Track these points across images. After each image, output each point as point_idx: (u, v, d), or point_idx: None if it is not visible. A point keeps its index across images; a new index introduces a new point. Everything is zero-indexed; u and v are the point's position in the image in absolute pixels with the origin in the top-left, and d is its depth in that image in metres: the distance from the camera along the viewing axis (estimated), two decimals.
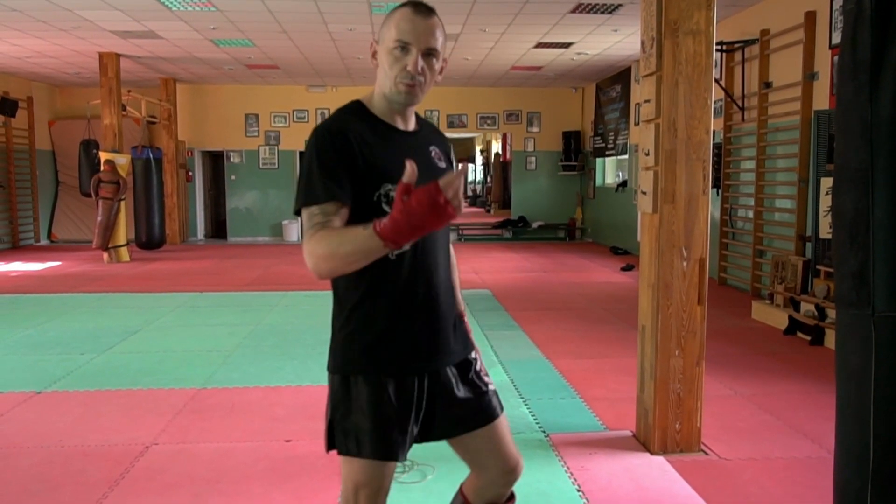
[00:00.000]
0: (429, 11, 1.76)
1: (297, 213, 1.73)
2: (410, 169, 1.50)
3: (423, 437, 1.87)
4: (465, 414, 1.88)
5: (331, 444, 1.84)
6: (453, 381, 1.87)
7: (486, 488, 1.96)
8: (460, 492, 2.04)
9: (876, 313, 1.77)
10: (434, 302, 1.83)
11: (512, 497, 2.00)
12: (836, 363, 1.91)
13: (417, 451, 3.43)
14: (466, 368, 1.91)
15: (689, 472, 3.30)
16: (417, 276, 1.78)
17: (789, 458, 3.51)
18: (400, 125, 1.83)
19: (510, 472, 1.94)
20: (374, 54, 1.81)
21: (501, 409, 1.94)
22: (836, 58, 2.08)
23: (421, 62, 1.73)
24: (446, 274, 1.89)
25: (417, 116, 1.92)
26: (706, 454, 3.52)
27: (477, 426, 1.89)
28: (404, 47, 1.73)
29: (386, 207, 1.68)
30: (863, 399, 1.81)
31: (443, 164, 1.89)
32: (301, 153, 15.10)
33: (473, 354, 1.95)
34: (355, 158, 1.69)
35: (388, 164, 1.71)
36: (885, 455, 1.79)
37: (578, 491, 3.10)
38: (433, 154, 1.88)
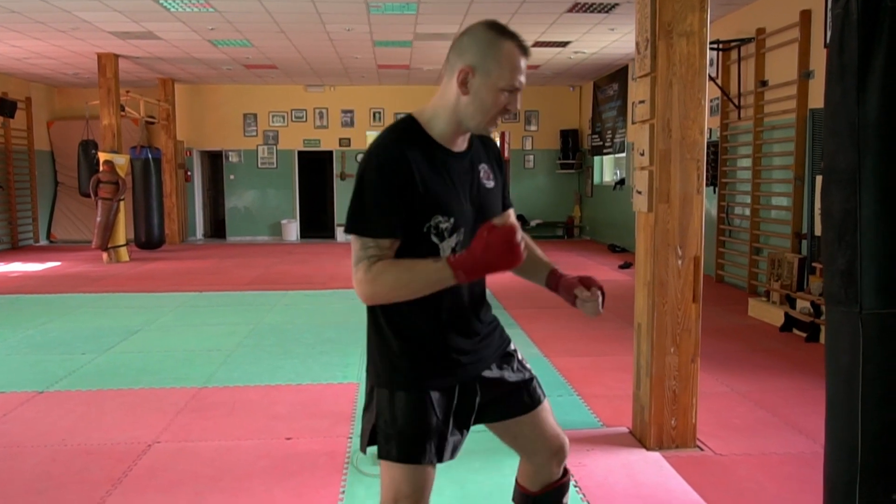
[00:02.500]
0: (528, 51, 1.76)
1: (348, 231, 1.72)
2: (508, 218, 1.62)
3: (474, 421, 1.93)
4: (512, 401, 1.95)
5: (370, 443, 1.86)
6: (497, 374, 1.94)
7: (538, 472, 2.04)
8: (517, 484, 2.11)
9: (863, 311, 1.81)
10: (476, 310, 1.88)
11: (566, 472, 2.07)
12: (826, 359, 1.96)
13: None
14: (509, 360, 1.98)
15: (684, 468, 3.34)
16: (460, 288, 1.79)
17: (784, 453, 3.55)
18: (455, 147, 1.80)
19: (558, 451, 2.02)
20: (464, 81, 1.70)
21: (544, 395, 2.02)
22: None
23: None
24: (482, 284, 1.94)
25: None
26: (702, 450, 3.56)
27: (523, 412, 1.96)
28: (513, 91, 1.71)
29: (434, 238, 1.73)
30: (851, 395, 1.84)
31: (490, 184, 1.89)
32: (300, 153, 15.17)
33: (512, 346, 2.03)
34: (414, 188, 1.68)
35: (440, 195, 1.73)
36: (872, 449, 1.83)
37: (575, 486, 3.14)
38: (482, 174, 1.87)
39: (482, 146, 1.91)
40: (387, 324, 1.82)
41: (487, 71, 1.68)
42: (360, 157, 15.51)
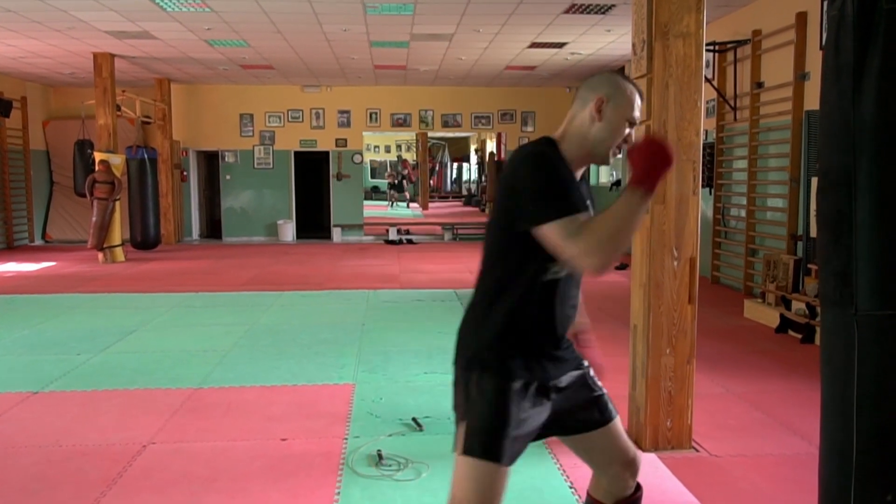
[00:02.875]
0: (643, 95, 2.05)
1: (539, 223, 1.77)
2: (636, 135, 1.84)
3: (546, 434, 2.02)
4: (584, 417, 2.06)
5: (469, 449, 1.88)
6: (570, 386, 2.03)
7: (612, 484, 2.11)
8: (589, 497, 2.18)
9: (858, 312, 1.82)
10: (572, 318, 2.04)
11: (639, 487, 2.14)
12: (821, 360, 1.96)
13: (412, 449, 3.48)
14: (582, 376, 2.08)
15: (679, 469, 3.34)
16: (568, 291, 1.97)
17: (779, 454, 3.56)
18: (577, 174, 1.97)
19: (630, 464, 2.11)
20: (599, 107, 1.92)
21: (615, 411, 2.13)
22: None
23: None
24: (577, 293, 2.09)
25: None
26: (697, 451, 3.57)
27: (595, 427, 2.06)
28: (632, 124, 1.95)
29: None
30: (846, 396, 1.85)
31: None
32: (296, 153, 15.15)
33: (585, 363, 2.14)
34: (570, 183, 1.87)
35: (578, 197, 1.88)
36: (867, 451, 1.83)
37: (571, 488, 3.14)
38: (589, 204, 2.02)
39: (586, 187, 2.09)
40: (499, 309, 1.90)
41: (618, 104, 1.93)
42: (355, 157, 15.49)
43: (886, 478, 1.84)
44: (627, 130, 1.95)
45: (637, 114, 1.97)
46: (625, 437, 2.12)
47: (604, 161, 1.96)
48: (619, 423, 2.12)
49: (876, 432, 1.82)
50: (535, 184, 1.81)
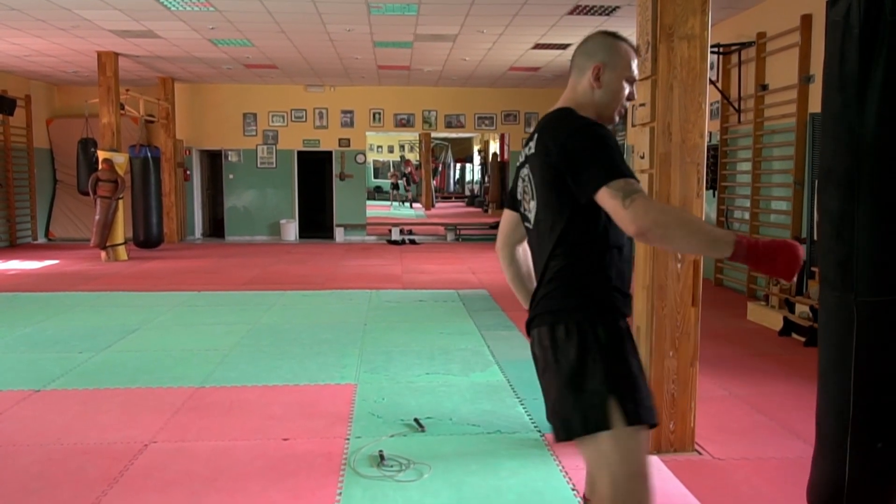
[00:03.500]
0: (639, 49, 2.09)
1: (602, 184, 1.75)
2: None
3: None
4: None
5: (594, 423, 1.80)
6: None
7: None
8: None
9: (858, 297, 2.03)
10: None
11: None
12: (819, 336, 2.19)
13: (414, 450, 3.47)
14: None
15: (682, 472, 3.33)
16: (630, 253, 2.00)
17: (782, 458, 3.55)
18: None
19: None
20: (597, 75, 1.97)
21: None
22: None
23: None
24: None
25: None
26: (700, 454, 3.56)
27: None
28: (633, 82, 2.01)
29: None
30: (845, 366, 2.07)
31: None
32: (299, 153, 15.15)
33: None
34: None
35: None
36: (862, 406, 2.06)
37: (573, 490, 3.13)
38: None
39: None
40: (596, 257, 1.88)
41: (614, 65, 1.98)
42: (358, 157, 15.47)
43: (878, 428, 2.07)
44: (628, 88, 2.01)
45: (635, 71, 2.02)
46: None
47: (611, 121, 2.01)
48: None
49: (870, 391, 2.06)
50: (600, 148, 1.81)
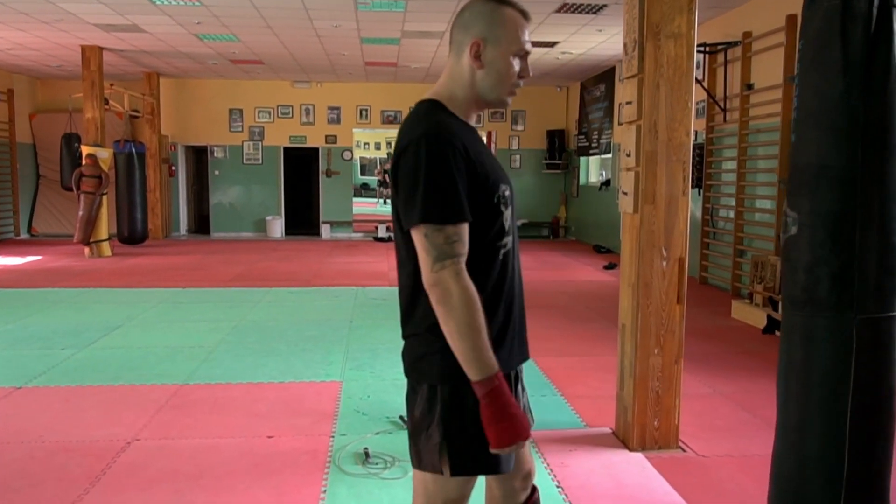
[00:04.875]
0: (530, 15, 1.75)
1: (414, 224, 1.59)
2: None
3: None
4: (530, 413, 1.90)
5: (427, 464, 1.70)
6: (520, 379, 1.86)
7: (508, 498, 1.96)
8: None
9: (858, 315, 1.74)
10: (522, 295, 1.82)
11: (534, 490, 2.00)
12: (800, 369, 1.83)
13: (399, 447, 3.46)
14: (520, 377, 1.89)
15: (666, 469, 3.34)
16: (515, 273, 1.78)
17: (765, 455, 3.55)
18: (472, 122, 1.79)
19: (527, 477, 1.97)
20: (476, 53, 1.69)
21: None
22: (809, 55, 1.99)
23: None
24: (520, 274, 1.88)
25: None
26: (684, 451, 3.57)
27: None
28: (524, 55, 1.71)
29: (502, 208, 1.70)
30: (836, 409, 1.77)
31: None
32: (286, 149, 15.09)
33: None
34: (474, 166, 1.63)
35: (494, 166, 1.73)
36: (859, 459, 1.78)
37: (558, 487, 3.14)
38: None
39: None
40: None
41: (497, 39, 1.69)
42: (345, 153, 15.44)
43: (875, 488, 1.80)
44: (519, 64, 1.71)
45: (526, 42, 1.71)
46: (528, 446, 1.97)
47: (501, 105, 1.76)
48: None
49: (870, 439, 1.78)
50: (421, 177, 1.57)
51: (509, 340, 1.75)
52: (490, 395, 1.55)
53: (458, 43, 1.73)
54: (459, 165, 1.59)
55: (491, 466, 1.68)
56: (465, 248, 1.59)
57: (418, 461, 1.74)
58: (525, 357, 1.84)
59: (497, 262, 1.70)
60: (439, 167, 1.58)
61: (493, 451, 1.58)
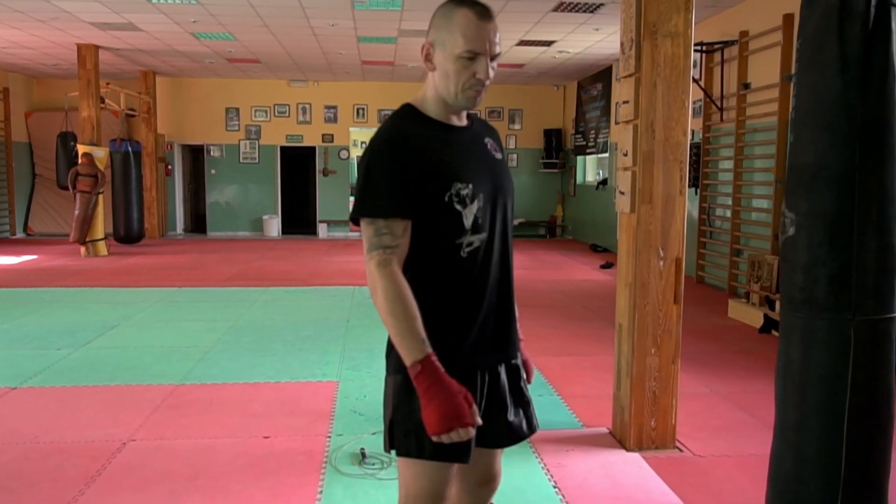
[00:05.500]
0: (490, 14, 1.72)
1: (355, 220, 1.71)
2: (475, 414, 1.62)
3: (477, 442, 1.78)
4: (510, 425, 1.86)
5: (391, 444, 1.78)
6: (506, 386, 1.85)
7: (463, 494, 1.95)
8: None
9: (856, 317, 1.73)
10: (505, 295, 1.83)
11: None
12: (798, 369, 1.83)
13: None
14: (517, 375, 1.90)
15: (663, 469, 3.34)
16: (490, 271, 1.78)
17: (763, 454, 3.55)
18: (454, 123, 1.81)
19: (488, 482, 1.95)
20: (427, 56, 1.74)
21: (538, 425, 1.96)
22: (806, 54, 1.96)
23: (489, 67, 1.72)
24: (507, 274, 1.85)
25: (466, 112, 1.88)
26: (681, 451, 3.57)
27: (519, 439, 1.88)
28: (473, 57, 1.69)
29: (457, 206, 1.71)
30: (836, 406, 1.77)
31: (499, 156, 1.89)
32: (282, 148, 15.08)
33: (518, 361, 1.94)
34: (421, 165, 1.68)
35: (453, 163, 1.74)
36: (857, 459, 1.77)
37: (555, 487, 3.13)
38: (489, 146, 1.88)
39: (485, 127, 1.92)
40: (417, 300, 1.68)
41: (442, 42, 1.71)
42: (342, 153, 15.44)
43: (873, 489, 1.79)
44: (469, 66, 1.69)
45: (476, 44, 1.67)
46: (500, 453, 1.97)
47: (463, 107, 1.75)
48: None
49: (868, 441, 1.77)
50: (363, 174, 1.70)
51: (474, 336, 1.77)
52: (418, 378, 1.60)
53: (420, 48, 1.78)
54: (395, 165, 1.67)
55: (437, 453, 1.69)
56: (395, 240, 1.66)
57: (384, 445, 1.81)
58: (506, 357, 1.86)
59: (458, 258, 1.73)
60: (378, 167, 1.68)
61: (431, 437, 1.60)
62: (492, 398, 1.82)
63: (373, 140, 1.74)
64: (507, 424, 1.85)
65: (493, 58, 1.73)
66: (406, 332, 1.62)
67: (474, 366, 1.77)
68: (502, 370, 1.86)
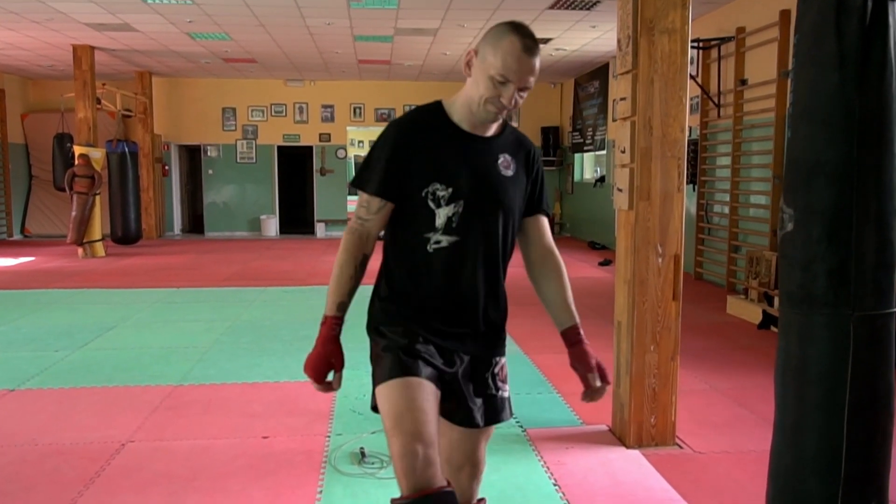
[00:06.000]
0: (535, 50, 1.80)
1: (353, 186, 1.95)
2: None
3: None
4: (473, 410, 1.96)
5: (373, 402, 1.92)
6: (470, 373, 1.96)
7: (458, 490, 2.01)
8: None
9: (855, 313, 1.73)
10: (475, 297, 1.92)
11: (481, 501, 2.06)
12: (798, 366, 1.82)
13: None
14: (487, 367, 1.99)
15: (663, 466, 3.34)
16: (458, 271, 1.89)
17: (762, 451, 3.55)
18: (475, 131, 1.89)
19: (470, 466, 2.03)
20: (469, 63, 1.85)
21: (510, 414, 2.05)
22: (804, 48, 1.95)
23: (515, 97, 1.81)
24: (489, 281, 1.93)
25: (505, 123, 1.97)
26: (681, 448, 3.57)
27: (479, 424, 1.97)
28: (504, 82, 1.78)
29: (431, 204, 1.84)
30: (836, 402, 1.76)
31: (509, 173, 1.93)
32: (279, 148, 15.08)
33: (499, 358, 2.02)
34: (414, 157, 1.84)
35: (444, 165, 1.84)
36: (858, 457, 1.76)
37: (555, 485, 3.13)
38: (500, 161, 1.92)
39: (516, 143, 1.97)
40: (390, 280, 1.95)
41: (483, 56, 1.81)
42: (339, 152, 15.43)
43: (873, 485, 1.78)
44: (494, 89, 1.79)
45: (512, 72, 1.76)
46: (484, 444, 2.07)
47: (482, 119, 1.85)
48: (492, 429, 2.07)
49: (868, 436, 1.77)
50: (371, 150, 1.92)
51: (436, 321, 1.90)
52: (321, 328, 1.93)
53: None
54: (393, 152, 1.85)
55: (388, 374, 1.85)
56: (368, 215, 1.88)
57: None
58: (472, 351, 1.94)
59: (424, 251, 1.87)
60: (381, 147, 1.88)
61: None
62: (464, 381, 1.94)
63: (393, 121, 1.94)
64: (468, 410, 1.96)
65: (522, 89, 1.81)
66: (331, 290, 1.90)
67: (443, 345, 1.91)
68: (468, 360, 1.95)
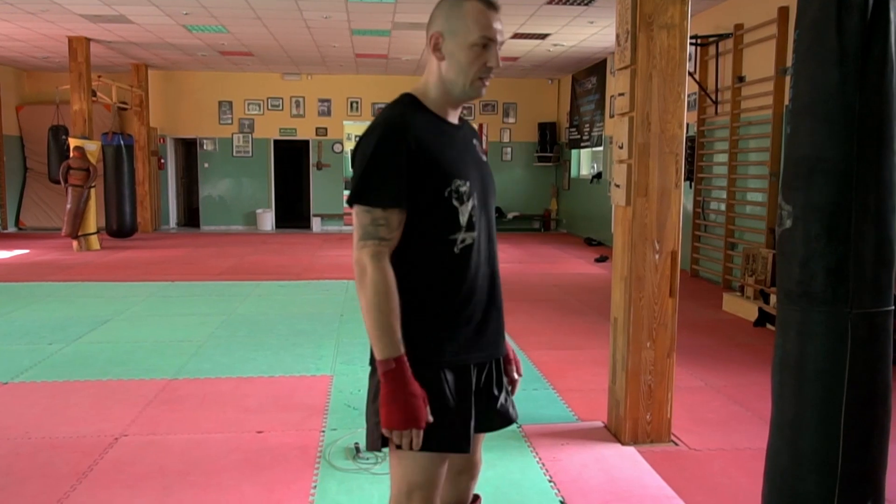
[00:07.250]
0: (497, 4, 1.75)
1: (352, 203, 1.70)
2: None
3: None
4: (499, 412, 1.89)
5: (383, 442, 1.73)
6: (494, 377, 1.88)
7: (445, 482, 1.95)
8: None
9: (853, 310, 1.72)
10: (492, 293, 1.83)
11: (476, 498, 2.03)
12: (795, 363, 1.81)
13: None
14: (502, 367, 1.93)
15: (659, 463, 3.33)
16: (479, 269, 1.79)
17: (757, 448, 3.56)
18: (451, 119, 1.82)
19: (471, 468, 1.98)
20: (436, 46, 1.74)
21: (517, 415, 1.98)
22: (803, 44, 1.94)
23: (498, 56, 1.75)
24: (494, 273, 1.87)
25: None
26: (676, 445, 3.56)
27: (499, 426, 1.91)
28: (486, 44, 1.71)
29: (455, 202, 1.72)
30: (833, 400, 1.76)
31: (485, 158, 1.91)
32: (276, 141, 15.02)
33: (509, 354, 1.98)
34: (426, 158, 1.68)
35: (456, 160, 1.75)
36: (854, 457, 1.76)
37: (550, 481, 3.12)
38: (477, 148, 1.89)
39: (471, 130, 1.93)
40: (407, 295, 1.70)
41: (454, 31, 1.72)
42: (336, 146, 15.36)
43: (870, 482, 1.78)
44: (482, 55, 1.72)
45: (489, 32, 1.70)
46: (480, 443, 2.01)
47: (471, 97, 1.77)
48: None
49: (865, 435, 1.77)
50: (363, 161, 1.68)
51: (463, 333, 1.77)
52: (387, 375, 1.63)
53: (427, 38, 1.78)
54: (402, 156, 1.66)
55: (440, 444, 1.71)
56: (391, 233, 1.67)
57: (366, 442, 1.79)
58: (493, 354, 1.86)
59: (451, 255, 1.73)
60: (382, 154, 1.66)
61: (383, 430, 1.65)
62: (483, 389, 1.85)
63: (377, 124, 1.72)
64: (496, 411, 1.88)
65: (499, 46, 1.76)
66: (386, 328, 1.64)
67: (466, 361, 1.78)
68: (493, 365, 1.88)
